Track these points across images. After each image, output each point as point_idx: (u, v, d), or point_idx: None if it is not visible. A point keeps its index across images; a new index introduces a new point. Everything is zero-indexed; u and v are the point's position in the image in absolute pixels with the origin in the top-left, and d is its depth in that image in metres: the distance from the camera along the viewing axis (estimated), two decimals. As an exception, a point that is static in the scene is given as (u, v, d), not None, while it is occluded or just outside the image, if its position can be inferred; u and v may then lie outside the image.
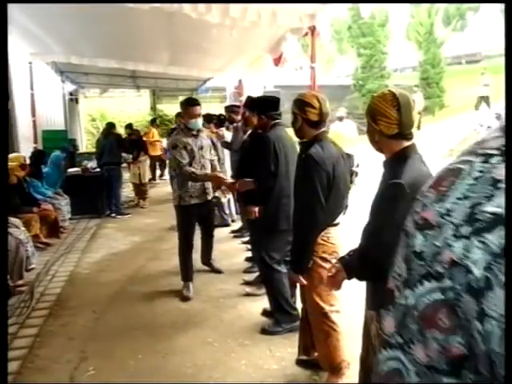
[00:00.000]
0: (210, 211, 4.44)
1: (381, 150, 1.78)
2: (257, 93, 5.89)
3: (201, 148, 4.04)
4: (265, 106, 3.35)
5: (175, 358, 2.99)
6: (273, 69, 6.77)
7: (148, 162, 9.61)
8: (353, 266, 1.83)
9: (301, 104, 2.40)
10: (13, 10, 4.71)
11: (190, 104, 4.01)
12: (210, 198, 4.18)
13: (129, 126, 9.19)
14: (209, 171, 4.08)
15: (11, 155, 5.83)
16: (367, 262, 1.74)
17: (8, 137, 3.50)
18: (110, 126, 8.18)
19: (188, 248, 4.12)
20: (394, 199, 1.58)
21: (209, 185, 4.12)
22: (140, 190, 8.82)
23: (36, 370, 2.88)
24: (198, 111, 3.97)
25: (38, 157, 6.71)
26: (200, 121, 4.07)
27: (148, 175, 9.10)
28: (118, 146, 7.84)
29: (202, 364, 2.90)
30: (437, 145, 11.15)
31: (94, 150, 10.17)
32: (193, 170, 3.86)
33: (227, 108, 6.27)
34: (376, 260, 1.68)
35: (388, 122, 1.66)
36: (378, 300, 1.77)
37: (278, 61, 6.16)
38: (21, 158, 5.76)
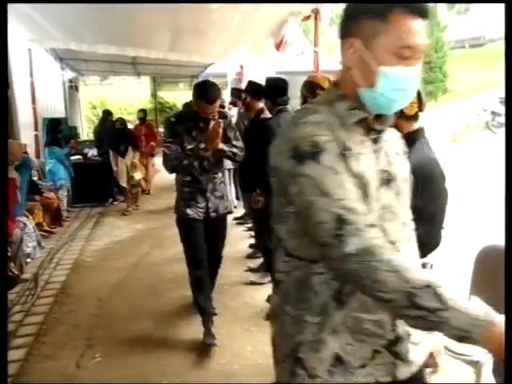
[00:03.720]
0: None
1: None
2: (258, 79, 5.84)
3: (387, 180, 1.02)
4: (270, 90, 3.26)
5: (181, 345, 3.00)
6: (274, 54, 6.68)
7: (137, 158, 7.30)
8: None
9: (312, 86, 2.35)
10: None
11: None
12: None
13: (142, 111, 9.03)
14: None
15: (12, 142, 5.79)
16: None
17: (7, 136, 3.47)
18: (107, 114, 8.17)
19: None
20: None
21: None
22: (129, 194, 7.12)
23: (43, 357, 2.90)
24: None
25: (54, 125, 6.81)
26: (416, 82, 0.97)
27: (138, 176, 7.25)
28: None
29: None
30: (440, 130, 11.05)
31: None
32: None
33: (232, 90, 6.23)
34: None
35: (411, 102, 1.63)
36: None
37: (279, 45, 6.07)
38: (22, 145, 5.72)
